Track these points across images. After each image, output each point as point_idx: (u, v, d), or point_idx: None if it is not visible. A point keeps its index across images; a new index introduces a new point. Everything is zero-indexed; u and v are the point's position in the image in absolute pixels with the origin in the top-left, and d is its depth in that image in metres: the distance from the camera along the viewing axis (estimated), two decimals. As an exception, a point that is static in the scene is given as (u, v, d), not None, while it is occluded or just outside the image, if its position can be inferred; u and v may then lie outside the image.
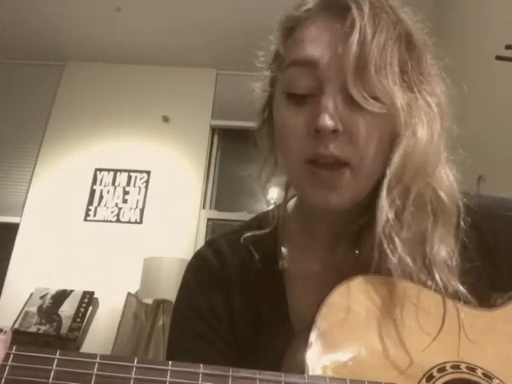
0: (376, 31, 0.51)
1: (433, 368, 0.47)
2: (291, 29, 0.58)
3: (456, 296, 0.51)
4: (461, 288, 0.51)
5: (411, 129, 0.51)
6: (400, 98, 0.51)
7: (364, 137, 0.51)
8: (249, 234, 0.64)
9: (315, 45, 0.54)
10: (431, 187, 0.52)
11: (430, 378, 0.47)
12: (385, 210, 0.50)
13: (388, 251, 0.50)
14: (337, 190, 0.53)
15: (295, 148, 0.54)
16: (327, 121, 0.50)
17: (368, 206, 0.57)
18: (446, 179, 0.54)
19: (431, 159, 0.52)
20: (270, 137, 0.62)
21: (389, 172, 0.51)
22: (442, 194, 0.53)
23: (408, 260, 0.50)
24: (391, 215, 0.50)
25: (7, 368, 0.38)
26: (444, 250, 0.52)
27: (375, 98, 0.50)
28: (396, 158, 0.51)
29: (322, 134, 0.51)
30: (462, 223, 0.54)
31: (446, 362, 0.48)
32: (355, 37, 0.50)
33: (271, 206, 0.69)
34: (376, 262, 0.51)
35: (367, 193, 0.55)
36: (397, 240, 0.50)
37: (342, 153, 0.51)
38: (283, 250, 0.64)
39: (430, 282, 0.51)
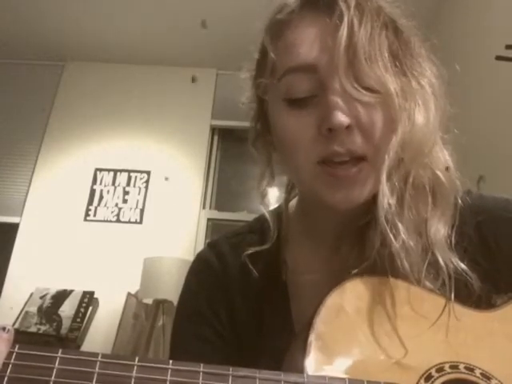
0: (362, 20, 0.51)
1: (431, 368, 0.47)
2: (279, 32, 0.56)
3: (458, 278, 0.51)
4: (462, 265, 0.51)
5: (407, 113, 0.51)
6: (393, 83, 0.51)
7: (374, 127, 0.51)
8: (251, 250, 0.63)
9: (309, 46, 0.53)
10: (429, 167, 0.53)
11: (428, 377, 0.47)
12: (386, 196, 0.50)
13: (391, 236, 0.50)
14: (357, 185, 0.52)
15: (306, 151, 0.53)
16: (341, 117, 0.50)
17: (371, 203, 0.57)
18: (443, 158, 0.54)
19: (428, 140, 0.52)
20: (266, 148, 0.62)
21: (387, 158, 0.50)
22: (440, 174, 0.53)
23: (411, 243, 0.50)
24: (392, 201, 0.50)
25: (10, 366, 0.38)
26: (443, 228, 0.53)
27: (369, 88, 0.50)
28: (394, 142, 0.51)
29: (337, 131, 0.50)
30: (459, 201, 0.55)
31: (445, 362, 0.48)
32: (344, 29, 0.50)
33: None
34: (385, 261, 0.51)
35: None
36: (399, 225, 0.50)
37: (358, 147, 0.51)
38: (285, 255, 0.64)
39: (429, 277, 0.51)
